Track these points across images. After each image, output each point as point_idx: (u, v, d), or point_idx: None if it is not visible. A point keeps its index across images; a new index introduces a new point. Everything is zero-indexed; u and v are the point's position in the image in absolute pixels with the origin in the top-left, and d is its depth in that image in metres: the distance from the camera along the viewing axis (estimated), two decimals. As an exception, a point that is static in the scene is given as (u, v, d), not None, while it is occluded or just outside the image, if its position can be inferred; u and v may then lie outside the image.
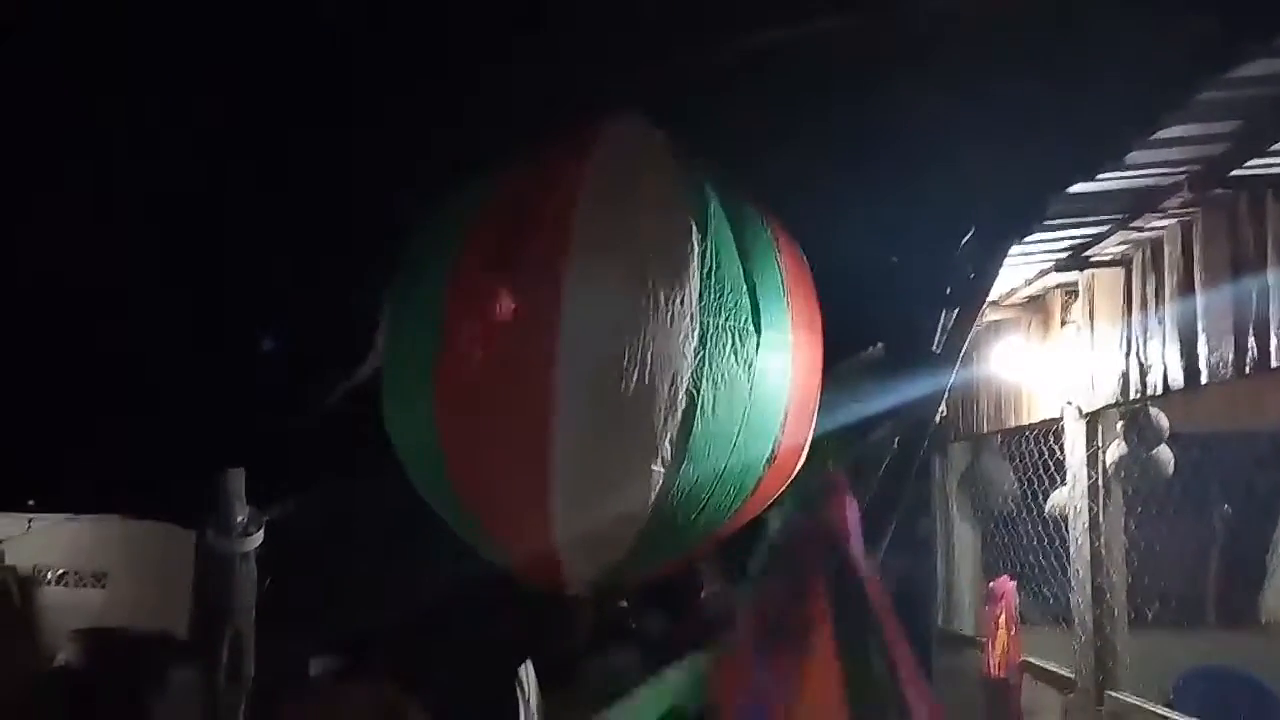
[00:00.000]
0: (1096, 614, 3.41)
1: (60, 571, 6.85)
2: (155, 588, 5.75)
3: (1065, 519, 3.69)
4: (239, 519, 4.23)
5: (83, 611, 6.25)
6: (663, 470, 2.14)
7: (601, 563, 2.48)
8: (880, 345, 4.17)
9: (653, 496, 2.16)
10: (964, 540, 5.29)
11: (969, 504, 5.22)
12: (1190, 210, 2.69)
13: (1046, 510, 3.88)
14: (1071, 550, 3.58)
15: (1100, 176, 2.31)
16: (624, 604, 4.31)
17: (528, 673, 4.29)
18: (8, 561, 6.61)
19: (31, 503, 7.39)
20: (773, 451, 2.36)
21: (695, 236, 2.43)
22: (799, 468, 2.62)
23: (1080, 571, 3.51)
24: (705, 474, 2.21)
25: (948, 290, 2.95)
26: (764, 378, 2.30)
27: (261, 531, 4.24)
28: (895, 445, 2.97)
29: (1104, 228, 2.86)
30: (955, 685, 5.09)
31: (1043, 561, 4.00)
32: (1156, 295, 2.90)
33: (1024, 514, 4.30)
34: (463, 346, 2.28)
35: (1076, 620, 3.54)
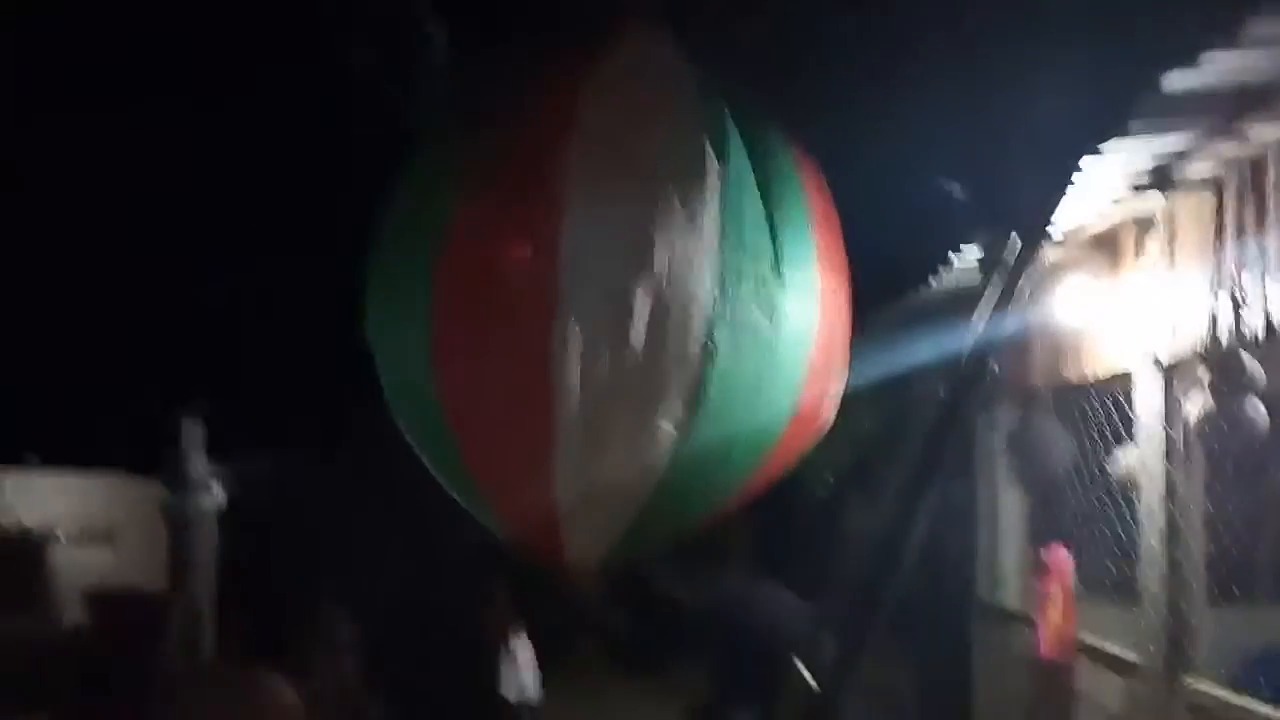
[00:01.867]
0: (1170, 590, 3.11)
1: (72, 529, 6.87)
2: (162, 546, 5.68)
3: (1134, 483, 3.38)
4: (196, 475, 4.02)
5: (92, 569, 6.23)
6: (674, 428, 2.00)
7: (606, 533, 2.37)
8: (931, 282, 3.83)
9: (663, 456, 2.03)
10: (1010, 508, 4.98)
11: (1017, 469, 4.91)
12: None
13: (1112, 474, 3.56)
14: (1142, 518, 3.27)
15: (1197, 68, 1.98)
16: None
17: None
18: (20, 519, 6.62)
19: (34, 457, 7.32)
20: (796, 405, 2.15)
21: (713, 166, 2.16)
22: (827, 425, 2.40)
23: (1152, 542, 3.20)
24: (721, 431, 2.07)
25: (1005, 223, 2.65)
26: (787, 324, 2.11)
27: (221, 490, 4.05)
28: (942, 402, 2.68)
29: (1191, 140, 2.53)
30: (999, 665, 4.82)
31: (1104, 530, 3.69)
32: (1256, 222, 2.56)
33: (1082, 478, 3.98)
34: (458, 294, 2.06)
35: (1145, 597, 3.24)
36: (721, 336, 2.00)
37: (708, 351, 1.96)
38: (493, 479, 2.26)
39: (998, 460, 5.00)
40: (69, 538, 7.22)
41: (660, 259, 2.04)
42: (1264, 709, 2.78)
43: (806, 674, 2.63)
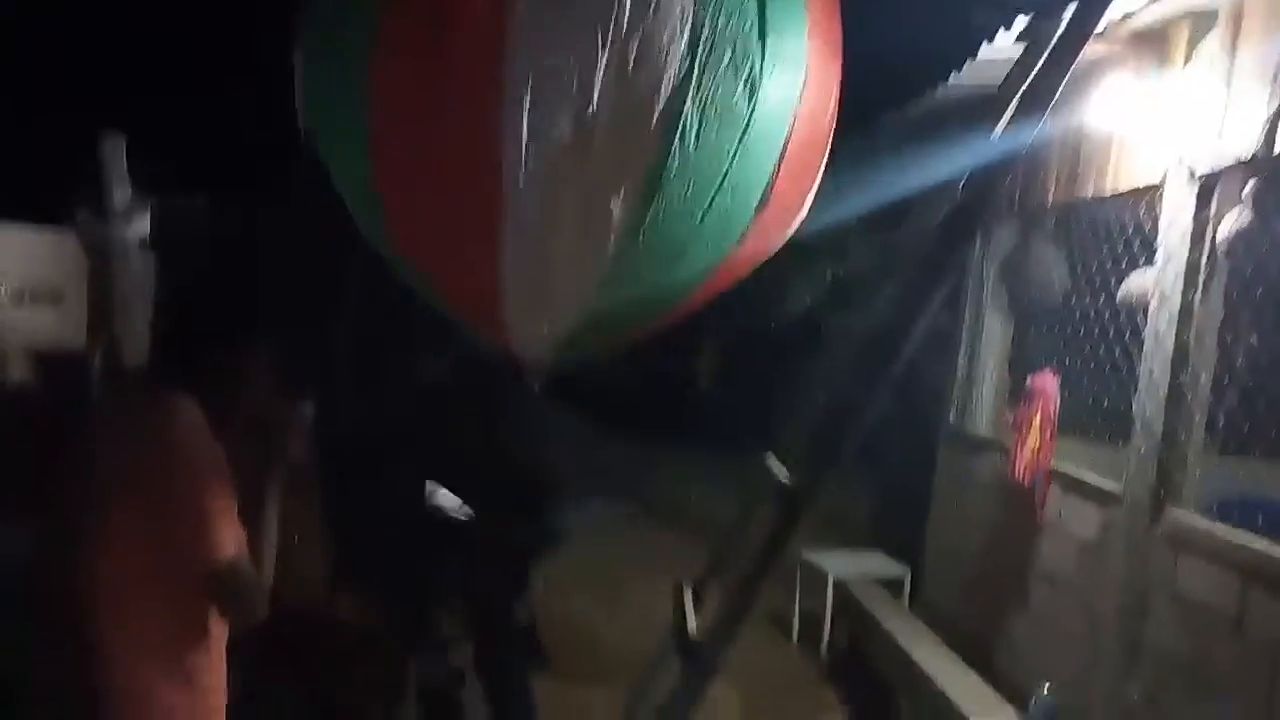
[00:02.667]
0: (1169, 419, 2.96)
1: (16, 287, 6.57)
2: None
3: (1143, 309, 3.17)
4: (118, 199, 3.67)
5: (37, 329, 6.04)
6: (629, 212, 1.80)
7: (554, 325, 2.23)
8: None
9: (615, 243, 1.84)
10: (993, 334, 4.82)
11: (1006, 294, 4.72)
12: None
13: (1119, 298, 3.35)
14: (1147, 343, 3.08)
15: None
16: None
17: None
18: None
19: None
20: (766, 197, 1.94)
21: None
22: (797, 224, 2.19)
23: (1154, 369, 3.03)
24: (680, 215, 1.87)
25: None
26: (767, 101, 1.76)
27: (146, 220, 3.71)
28: (948, 214, 2.43)
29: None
30: (963, 489, 4.79)
31: (1101, 358, 3.52)
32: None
33: (1083, 304, 3.77)
34: (395, 58, 1.78)
35: (1138, 425, 3.10)
36: (689, 111, 1.70)
37: (672, 127, 1.71)
38: (438, 270, 2.09)
39: (986, 283, 4.80)
40: (12, 296, 7.04)
41: (625, 21, 1.71)
42: (1246, 539, 2.69)
43: (776, 471, 2.47)
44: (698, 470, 4.75)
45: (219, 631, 1.66)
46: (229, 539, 1.55)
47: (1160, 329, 3.01)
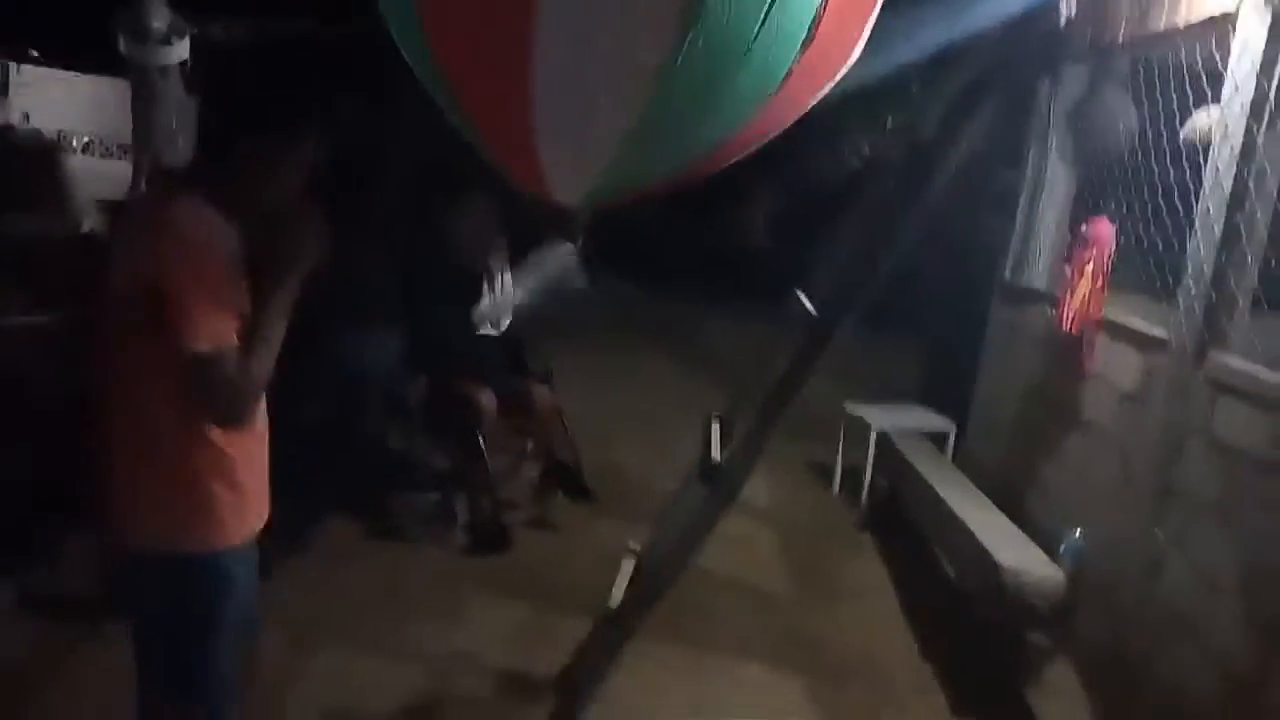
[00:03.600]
0: (1220, 261, 2.88)
1: (85, 139, 6.69)
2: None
3: (1204, 147, 3.05)
4: (157, 24, 3.74)
5: (108, 181, 6.20)
6: (658, 41, 1.75)
7: (589, 165, 2.21)
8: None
9: (651, 77, 1.81)
10: (1055, 185, 4.67)
11: (1072, 143, 4.55)
12: None
13: (1183, 135, 3.22)
14: (1206, 180, 2.98)
15: None
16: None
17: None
18: (33, 124, 6.53)
19: (34, 53, 7.01)
20: (811, 31, 1.85)
21: None
22: (846, 68, 2.12)
23: (1210, 208, 2.93)
24: (719, 54, 1.81)
25: None
26: None
27: (186, 43, 3.78)
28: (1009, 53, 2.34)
29: None
30: (1013, 343, 4.75)
31: (1159, 202, 3.41)
32: None
33: (1145, 148, 3.63)
34: None
35: (1190, 267, 3.02)
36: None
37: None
38: (475, 106, 2.06)
39: (1052, 133, 4.63)
40: (84, 147, 7.17)
41: None
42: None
43: (807, 303, 2.49)
44: (747, 324, 4.78)
45: (219, 431, 1.69)
46: (210, 333, 1.58)
47: (1220, 166, 2.90)
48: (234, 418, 1.67)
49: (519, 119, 2.11)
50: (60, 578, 3.32)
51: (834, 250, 2.77)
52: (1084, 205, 4.35)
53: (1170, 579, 2.96)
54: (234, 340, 1.62)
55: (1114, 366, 3.54)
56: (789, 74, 1.95)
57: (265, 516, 1.86)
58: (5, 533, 3.29)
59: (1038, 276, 4.61)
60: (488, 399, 4.09)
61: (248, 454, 1.76)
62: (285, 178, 1.71)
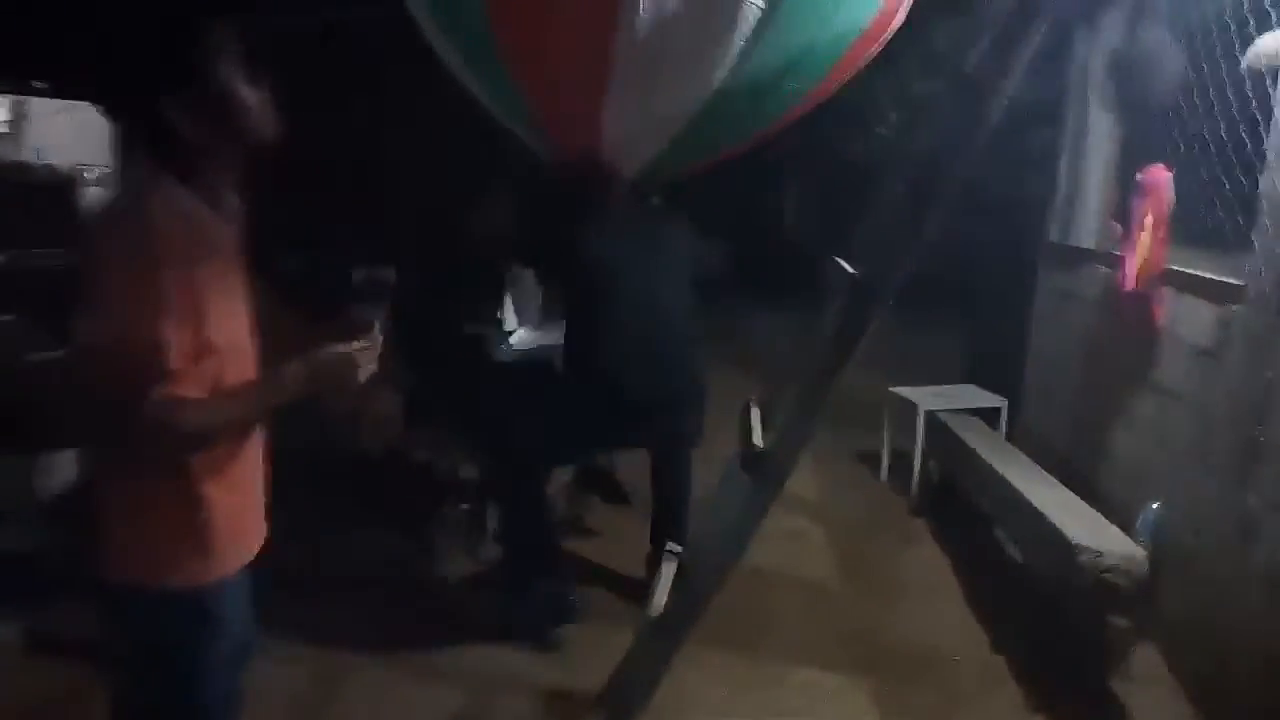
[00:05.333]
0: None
1: (99, 173, 6.73)
2: None
3: (1274, 74, 2.82)
4: None
5: None
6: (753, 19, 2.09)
7: (654, 137, 2.55)
8: None
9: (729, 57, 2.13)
10: (1099, 136, 4.45)
11: (1114, 89, 4.32)
12: None
13: (1246, 64, 2.99)
14: (1277, 111, 2.74)
15: None
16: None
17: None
18: (46, 160, 6.60)
19: (38, 84, 7.03)
20: (868, 21, 2.32)
21: None
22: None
23: (1285, 141, 2.70)
24: (794, 40, 2.15)
25: None
26: None
27: None
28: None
29: None
30: (1065, 308, 4.52)
31: (1221, 142, 3.17)
32: None
33: (1199, 86, 3.40)
34: None
35: (1265, 205, 2.79)
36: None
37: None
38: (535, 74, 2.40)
39: (1091, 82, 4.40)
40: (96, 180, 6.97)
41: None
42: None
43: (845, 266, 2.30)
44: (784, 315, 4.60)
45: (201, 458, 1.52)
46: (159, 373, 1.37)
47: (1292, 92, 2.67)
48: (170, 457, 1.49)
49: (590, 87, 2.33)
50: (65, 617, 3.19)
51: (873, 211, 2.58)
52: (1132, 155, 4.11)
53: (1265, 546, 2.73)
54: (192, 378, 1.41)
55: (1184, 321, 3.31)
56: (842, 57, 2.20)
57: (261, 540, 1.69)
58: (10, 571, 3.18)
59: (1087, 235, 4.37)
60: None
61: (234, 479, 1.58)
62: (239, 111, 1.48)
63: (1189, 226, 3.37)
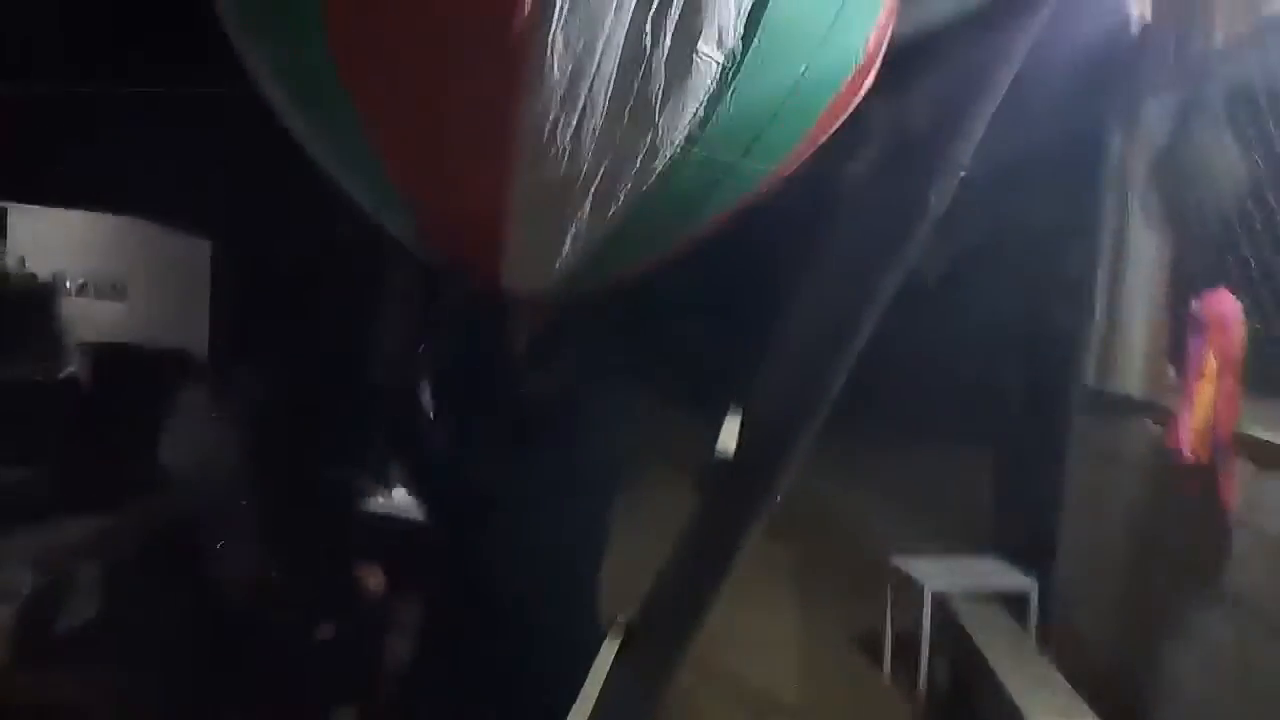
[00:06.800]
0: None
1: (81, 281, 7.03)
2: (174, 302, 5.95)
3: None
4: None
5: (102, 324, 6.32)
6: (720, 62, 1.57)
7: (568, 242, 1.93)
8: None
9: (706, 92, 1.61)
10: (1143, 258, 3.63)
11: (1160, 201, 3.55)
12: None
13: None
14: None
15: None
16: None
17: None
18: (28, 268, 6.56)
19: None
20: (865, 51, 1.76)
21: None
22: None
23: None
24: (772, 82, 1.65)
25: None
26: None
27: None
28: None
29: None
30: (1108, 471, 3.62)
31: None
32: None
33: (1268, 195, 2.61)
34: None
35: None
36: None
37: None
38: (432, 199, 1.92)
39: (1132, 192, 3.63)
40: (77, 289, 7.11)
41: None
42: None
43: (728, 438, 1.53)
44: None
45: None
46: None
47: None
48: None
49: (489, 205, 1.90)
50: None
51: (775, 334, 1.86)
52: (1185, 279, 3.30)
53: None
54: None
55: (1264, 505, 2.42)
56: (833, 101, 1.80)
57: None
58: None
59: (1134, 380, 3.52)
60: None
61: None
62: None
63: (1269, 375, 2.52)
